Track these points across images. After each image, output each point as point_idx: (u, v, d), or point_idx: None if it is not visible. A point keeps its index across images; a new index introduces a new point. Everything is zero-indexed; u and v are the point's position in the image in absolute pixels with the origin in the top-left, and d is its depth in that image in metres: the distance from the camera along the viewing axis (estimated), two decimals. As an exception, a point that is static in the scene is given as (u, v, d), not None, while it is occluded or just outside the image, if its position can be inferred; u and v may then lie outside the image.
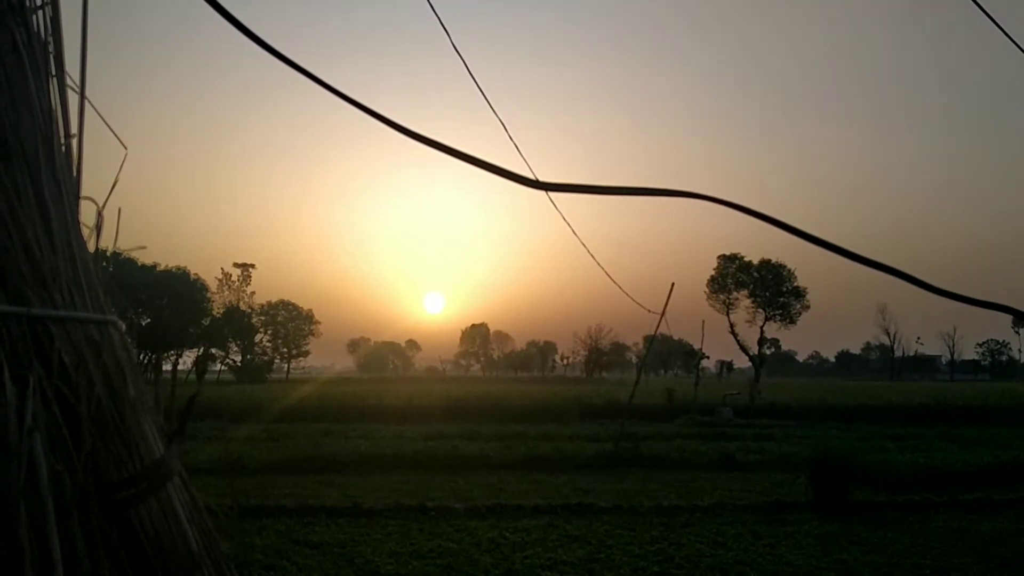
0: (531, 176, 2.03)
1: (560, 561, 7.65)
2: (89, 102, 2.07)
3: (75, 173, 1.96)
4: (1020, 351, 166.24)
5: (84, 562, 1.46)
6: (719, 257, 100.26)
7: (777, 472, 13.40)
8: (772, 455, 15.58)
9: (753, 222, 2.01)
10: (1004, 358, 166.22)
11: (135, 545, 1.59)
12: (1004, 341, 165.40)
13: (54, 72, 1.96)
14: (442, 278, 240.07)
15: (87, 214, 1.99)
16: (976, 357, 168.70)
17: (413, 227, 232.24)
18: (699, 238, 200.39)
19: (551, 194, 3.60)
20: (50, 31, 1.98)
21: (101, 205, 2.00)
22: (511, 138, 4.80)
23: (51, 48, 1.98)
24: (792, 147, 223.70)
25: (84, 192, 2.01)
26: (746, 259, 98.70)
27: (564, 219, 7.01)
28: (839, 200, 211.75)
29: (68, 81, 2.02)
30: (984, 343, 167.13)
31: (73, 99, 2.05)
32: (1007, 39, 3.54)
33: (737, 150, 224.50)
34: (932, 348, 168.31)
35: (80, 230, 1.89)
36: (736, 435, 20.67)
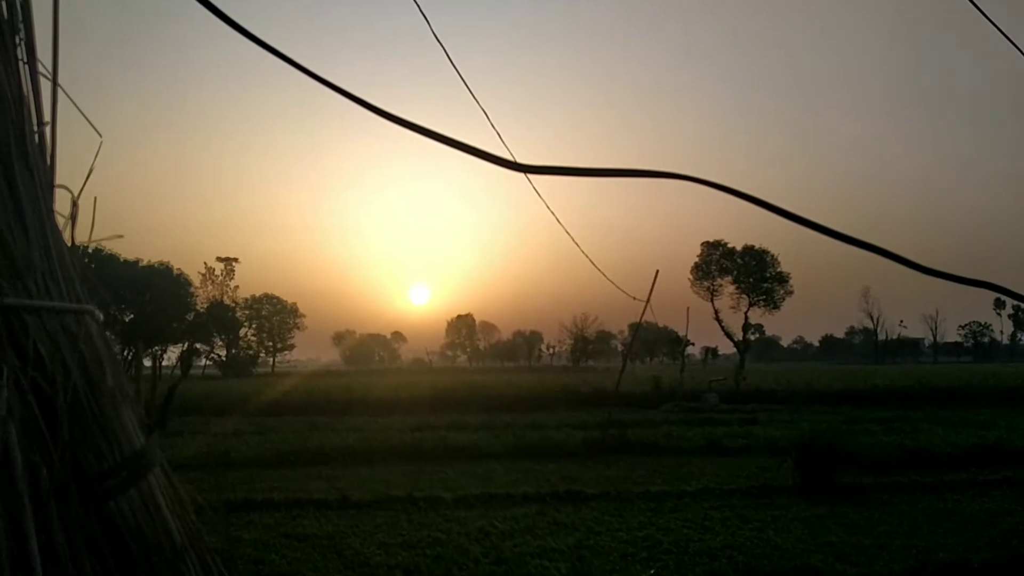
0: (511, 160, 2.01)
1: (549, 548, 7.66)
2: (62, 89, 2.03)
3: (48, 161, 1.93)
4: (1002, 332, 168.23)
5: (63, 554, 1.43)
6: (703, 244, 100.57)
7: (763, 456, 13.48)
8: (758, 440, 15.67)
9: (736, 207, 2.00)
10: (986, 339, 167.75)
11: (116, 537, 1.57)
12: (986, 323, 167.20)
13: (25, 58, 1.92)
14: (427, 269, 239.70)
15: (62, 203, 1.96)
16: (959, 339, 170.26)
17: (397, 219, 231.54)
18: (682, 224, 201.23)
19: (532, 178, 3.58)
20: (20, 16, 1.94)
21: (76, 194, 1.97)
22: (492, 124, 4.77)
23: (21, 34, 1.93)
24: (777, 133, 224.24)
25: (59, 181, 1.97)
26: (729, 245, 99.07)
27: (547, 205, 6.98)
28: (825, 186, 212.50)
29: (40, 68, 1.98)
30: (966, 325, 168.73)
31: (45, 86, 2.01)
32: (989, 23, 3.55)
33: (720, 134, 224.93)
34: (915, 331, 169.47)
35: (55, 219, 1.85)
36: (722, 420, 20.80)
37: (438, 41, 3.99)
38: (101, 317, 1.83)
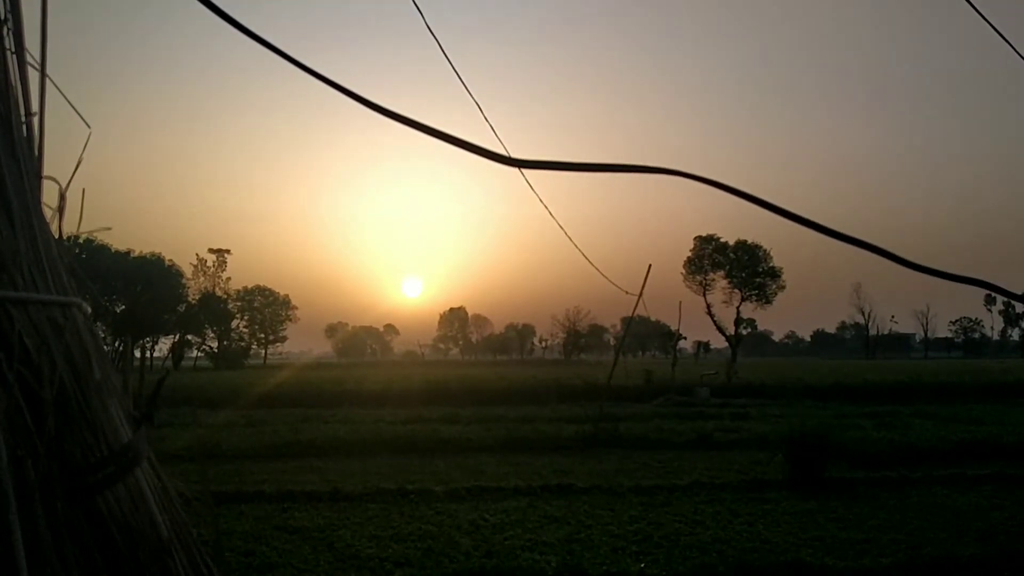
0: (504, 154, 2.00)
1: (540, 542, 7.67)
2: (50, 79, 2.01)
3: (36, 153, 1.91)
4: (992, 328, 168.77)
5: (49, 549, 1.42)
6: (695, 238, 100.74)
7: (754, 451, 13.50)
8: (749, 434, 15.69)
9: (729, 202, 1.99)
10: (977, 335, 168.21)
11: (103, 531, 1.56)
12: (976, 318, 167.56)
13: (13, 48, 1.90)
14: (420, 262, 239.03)
15: (50, 195, 1.94)
16: (949, 335, 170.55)
17: (390, 211, 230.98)
18: (675, 219, 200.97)
19: (525, 172, 3.57)
20: (8, 6, 1.92)
21: (64, 186, 1.95)
22: (486, 118, 4.76)
23: (10, 24, 1.91)
24: (768, 130, 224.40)
25: (47, 172, 1.95)
26: (722, 240, 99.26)
27: (540, 200, 6.98)
28: (815, 180, 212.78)
29: (28, 58, 1.96)
30: (957, 321, 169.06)
31: (34, 77, 1.99)
32: (976, 17, 3.54)
33: (715, 131, 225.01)
34: (906, 326, 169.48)
35: (42, 211, 1.84)
36: (713, 415, 20.82)
37: (432, 34, 3.98)
38: (89, 309, 1.82)
